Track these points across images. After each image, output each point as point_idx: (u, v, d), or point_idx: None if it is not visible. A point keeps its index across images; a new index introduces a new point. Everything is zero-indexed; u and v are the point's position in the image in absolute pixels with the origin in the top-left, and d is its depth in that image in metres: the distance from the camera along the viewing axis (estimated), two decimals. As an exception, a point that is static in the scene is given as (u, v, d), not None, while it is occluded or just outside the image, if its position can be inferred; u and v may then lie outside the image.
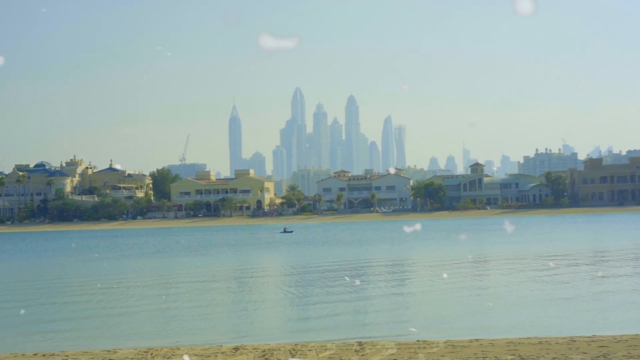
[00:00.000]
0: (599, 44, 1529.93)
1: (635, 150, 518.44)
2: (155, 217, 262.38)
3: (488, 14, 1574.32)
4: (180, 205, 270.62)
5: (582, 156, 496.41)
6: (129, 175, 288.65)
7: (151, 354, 28.69)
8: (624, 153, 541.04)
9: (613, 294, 44.80)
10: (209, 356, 27.83)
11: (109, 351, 29.83)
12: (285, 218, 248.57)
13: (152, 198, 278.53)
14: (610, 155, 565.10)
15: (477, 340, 29.47)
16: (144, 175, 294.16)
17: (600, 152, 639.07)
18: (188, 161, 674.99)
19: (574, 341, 28.43)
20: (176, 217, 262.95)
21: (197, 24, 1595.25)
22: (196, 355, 28.17)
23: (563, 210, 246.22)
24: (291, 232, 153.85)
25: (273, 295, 51.01)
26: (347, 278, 58.30)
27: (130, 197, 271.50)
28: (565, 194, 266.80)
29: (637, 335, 29.57)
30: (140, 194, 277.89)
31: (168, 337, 34.54)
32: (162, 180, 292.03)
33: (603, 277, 54.68)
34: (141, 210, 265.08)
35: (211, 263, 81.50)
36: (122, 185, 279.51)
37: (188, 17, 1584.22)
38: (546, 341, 28.60)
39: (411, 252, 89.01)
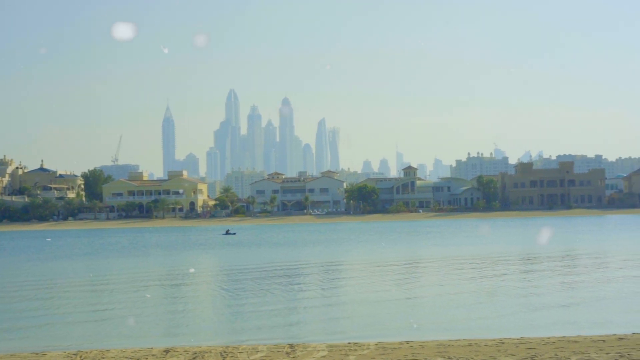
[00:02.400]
0: (532, 47, 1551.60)
1: (565, 155, 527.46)
2: (86, 218, 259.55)
3: (422, 14, 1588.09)
4: (112, 206, 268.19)
5: (513, 160, 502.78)
6: (60, 175, 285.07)
7: (80, 356, 28.40)
8: (553, 158, 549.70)
9: (542, 297, 45.40)
10: (139, 358, 27.63)
11: (37, 354, 29.44)
12: (218, 220, 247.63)
13: (84, 199, 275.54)
14: (540, 159, 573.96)
15: (407, 342, 29.67)
16: (76, 176, 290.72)
17: (530, 156, 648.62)
18: (120, 162, 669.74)
19: (503, 343, 28.78)
20: (108, 219, 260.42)
21: (133, 25, 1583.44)
22: (126, 357, 27.95)
23: (494, 213, 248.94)
24: (234, 234, 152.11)
25: (205, 297, 50.84)
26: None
27: (61, 198, 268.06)
28: (496, 197, 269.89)
29: (564, 337, 30.02)
30: (71, 194, 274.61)
31: (98, 340, 34.20)
32: (94, 181, 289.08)
33: (532, 280, 55.40)
34: (72, 211, 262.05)
35: (143, 265, 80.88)
36: (53, 185, 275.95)
37: (125, 19, 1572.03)
38: (475, 343, 28.90)
39: (345, 255, 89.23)
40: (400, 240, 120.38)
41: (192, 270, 70.37)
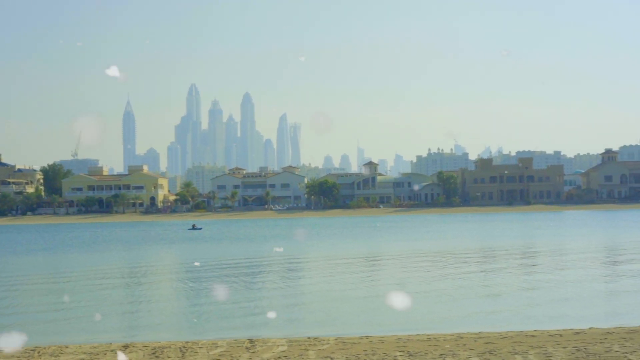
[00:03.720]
0: (492, 42, 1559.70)
1: (524, 151, 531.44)
2: (46, 213, 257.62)
3: (381, 9, 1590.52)
4: (72, 201, 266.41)
5: (473, 156, 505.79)
6: (19, 170, 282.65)
7: (38, 352, 28.21)
8: (513, 154, 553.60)
9: (500, 292, 45.73)
10: (97, 354, 27.49)
11: (-6, 349, 29.21)
12: (179, 215, 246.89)
13: (43, 194, 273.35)
14: (500, 155, 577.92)
15: (367, 337, 29.77)
16: (35, 171, 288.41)
17: (490, 152, 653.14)
18: (80, 157, 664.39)
19: (462, 338, 28.96)
20: (67, 213, 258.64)
21: (93, 19, 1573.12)
22: (85, 353, 27.80)
23: (454, 209, 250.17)
24: (200, 229, 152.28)
25: (166, 293, 50.67)
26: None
27: (20, 193, 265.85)
28: (456, 193, 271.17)
29: (522, 331, 30.29)
30: (30, 189, 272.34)
31: (56, 335, 33.99)
32: (53, 175, 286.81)
33: (491, 275, 55.76)
34: (31, 206, 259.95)
35: (105, 260, 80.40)
36: (11, 180, 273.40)
37: (83, 12, 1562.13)
38: (434, 338, 29.06)
39: (307, 249, 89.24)
40: (362, 235, 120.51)
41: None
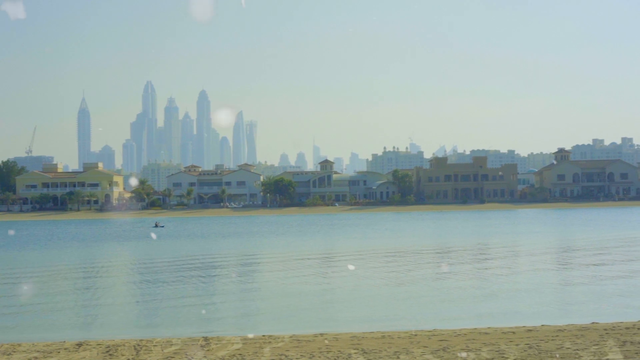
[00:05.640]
0: (445, 43, 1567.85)
1: (478, 150, 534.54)
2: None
3: (339, 5, 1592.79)
4: (26, 198, 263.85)
5: (428, 155, 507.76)
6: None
7: (-9, 350, 27.97)
8: (467, 152, 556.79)
9: (454, 290, 46.00)
10: (51, 352, 27.30)
11: (-54, 348, 28.90)
12: (134, 212, 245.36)
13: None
14: (455, 154, 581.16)
15: (321, 334, 29.83)
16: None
17: (445, 151, 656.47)
18: (35, 153, 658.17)
19: (416, 335, 29.10)
20: (21, 211, 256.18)
21: (47, 16, 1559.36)
22: (38, 351, 27.59)
23: (409, 207, 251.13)
24: (163, 227, 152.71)
25: (120, 290, 50.38)
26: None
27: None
28: (411, 191, 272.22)
29: (475, 329, 30.50)
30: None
31: (9, 333, 33.72)
32: (7, 172, 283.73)
33: (445, 272, 56.05)
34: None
35: (59, 257, 79.74)
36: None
37: (37, 9, 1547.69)
38: (389, 335, 29.17)
39: (263, 247, 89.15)
40: (319, 233, 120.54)
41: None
